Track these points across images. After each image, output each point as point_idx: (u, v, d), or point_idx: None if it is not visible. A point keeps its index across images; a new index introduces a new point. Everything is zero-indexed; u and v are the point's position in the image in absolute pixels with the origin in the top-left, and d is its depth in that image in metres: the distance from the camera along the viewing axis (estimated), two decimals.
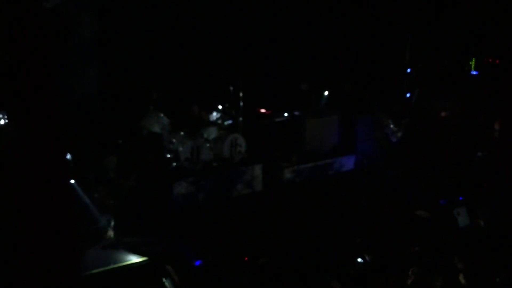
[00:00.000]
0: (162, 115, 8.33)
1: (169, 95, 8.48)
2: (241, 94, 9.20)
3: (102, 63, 8.83)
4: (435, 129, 10.85)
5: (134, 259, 6.17)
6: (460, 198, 7.83)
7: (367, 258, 5.84)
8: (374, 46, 11.52)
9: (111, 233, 6.58)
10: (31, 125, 4.67)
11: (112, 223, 6.60)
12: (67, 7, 7.82)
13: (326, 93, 10.41)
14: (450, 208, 7.19)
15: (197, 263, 6.06)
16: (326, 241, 6.80)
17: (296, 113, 10.03)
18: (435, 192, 8.48)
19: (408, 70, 11.18)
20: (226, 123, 9.10)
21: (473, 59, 10.76)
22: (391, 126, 9.16)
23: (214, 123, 8.94)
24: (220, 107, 9.28)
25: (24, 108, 4.62)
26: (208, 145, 8.50)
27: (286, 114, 10.08)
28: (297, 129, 9.94)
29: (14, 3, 4.48)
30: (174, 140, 8.33)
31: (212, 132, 8.68)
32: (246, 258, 6.23)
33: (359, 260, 5.84)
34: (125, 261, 6.11)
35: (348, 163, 9.86)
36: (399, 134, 9.27)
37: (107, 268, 5.94)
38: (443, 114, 10.89)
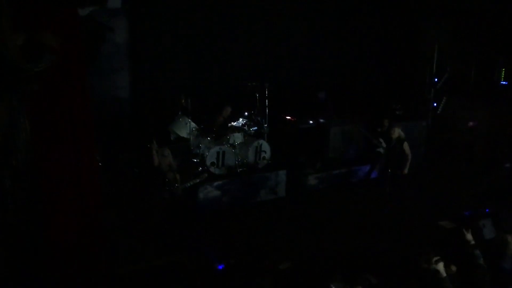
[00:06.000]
0: (189, 120, 8.49)
1: (197, 101, 8.63)
2: (266, 101, 9.31)
3: (133, 69, 9.06)
4: (462, 138, 10.71)
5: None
6: (486, 210, 7.70)
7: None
8: (401, 55, 11.49)
9: None
10: (64, 127, 4.85)
11: None
12: (101, 14, 8.08)
13: None
14: (475, 220, 7.08)
15: (220, 266, 6.14)
16: (348, 249, 6.80)
17: (321, 120, 10.07)
18: (460, 203, 8.37)
19: (435, 80, 11.07)
20: (251, 129, 9.21)
21: (503, 70, 10.58)
22: (380, 140, 8.99)
23: (240, 129, 9.07)
24: (246, 113, 9.41)
25: (58, 111, 4.80)
26: (233, 150, 8.62)
27: (311, 121, 10.12)
28: (321, 136, 9.97)
29: (52, 10, 4.68)
30: (201, 145, 8.49)
31: (238, 138, 8.79)
32: (268, 263, 6.27)
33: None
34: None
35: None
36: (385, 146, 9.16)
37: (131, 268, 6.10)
38: (470, 123, 10.74)
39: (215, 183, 8.22)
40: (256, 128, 9.29)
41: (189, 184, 7.41)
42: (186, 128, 8.51)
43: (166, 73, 9.40)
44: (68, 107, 4.85)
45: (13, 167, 2.65)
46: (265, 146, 8.97)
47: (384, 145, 9.22)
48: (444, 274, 4.80)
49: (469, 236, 5.13)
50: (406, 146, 8.31)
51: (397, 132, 8.30)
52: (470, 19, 10.73)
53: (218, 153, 8.44)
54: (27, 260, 4.71)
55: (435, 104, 11.08)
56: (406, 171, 8.38)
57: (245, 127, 9.17)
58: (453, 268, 4.98)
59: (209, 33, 9.78)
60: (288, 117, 10.28)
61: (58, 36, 4.61)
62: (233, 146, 8.68)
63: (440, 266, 4.83)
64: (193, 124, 8.55)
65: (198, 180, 7.57)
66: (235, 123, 9.30)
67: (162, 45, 9.39)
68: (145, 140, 7.47)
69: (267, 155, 8.99)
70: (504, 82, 10.83)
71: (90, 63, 8.17)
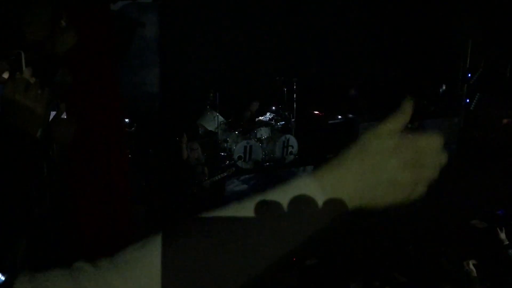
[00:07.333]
0: (218, 114, 8.55)
1: (225, 95, 8.68)
2: (294, 96, 9.28)
3: (163, 64, 9.17)
4: (495, 136, 10.44)
5: None
6: None
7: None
8: (433, 50, 11.25)
9: None
10: (96, 121, 4.94)
11: None
12: (132, 9, 8.21)
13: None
14: (509, 219, 6.89)
15: None
16: (376, 246, 6.73)
17: (349, 116, 9.97)
18: (492, 202, 8.17)
19: (469, 75, 10.82)
20: (279, 124, 9.20)
21: None
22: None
23: (267, 123, 9.07)
24: (273, 108, 9.41)
25: (90, 105, 4.90)
26: (260, 145, 8.63)
27: (339, 117, 10.04)
28: (350, 132, 9.88)
29: (83, 5, 4.76)
30: (228, 139, 8.54)
31: (265, 132, 8.80)
32: (294, 258, 6.27)
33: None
34: None
35: None
36: None
37: None
38: (504, 121, 10.47)
39: (242, 177, 8.26)
40: (283, 122, 9.27)
41: (217, 178, 7.48)
42: (214, 122, 8.57)
43: (195, 67, 9.49)
44: (100, 102, 4.92)
45: (50, 158, 2.75)
46: (293, 141, 8.95)
47: None
48: (475, 274, 4.72)
49: (502, 236, 5.01)
50: None
51: None
52: (505, 13, 10.42)
53: (245, 147, 8.47)
54: (57, 250, 4.84)
55: (467, 101, 10.83)
56: None
57: (273, 122, 9.17)
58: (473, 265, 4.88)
59: (238, 28, 9.80)
60: (316, 112, 10.22)
61: (89, 31, 4.69)
62: (260, 140, 8.69)
63: (471, 266, 4.75)
64: (221, 118, 8.60)
65: (225, 174, 7.63)
66: (263, 117, 9.31)
67: (191, 40, 9.47)
68: (174, 134, 7.56)
69: (294, 150, 8.96)
70: None
71: (121, 59, 8.34)
